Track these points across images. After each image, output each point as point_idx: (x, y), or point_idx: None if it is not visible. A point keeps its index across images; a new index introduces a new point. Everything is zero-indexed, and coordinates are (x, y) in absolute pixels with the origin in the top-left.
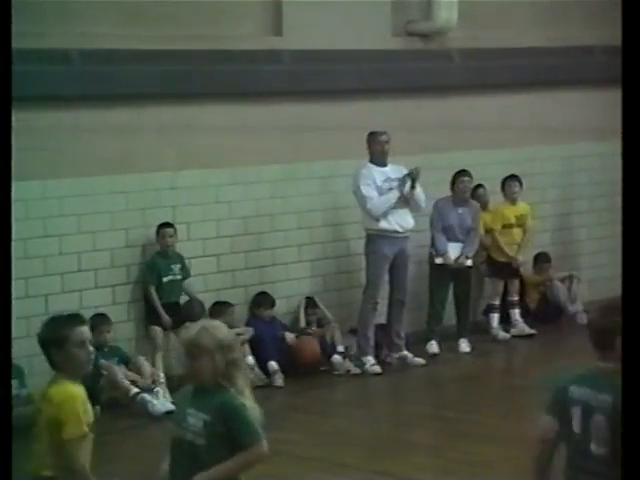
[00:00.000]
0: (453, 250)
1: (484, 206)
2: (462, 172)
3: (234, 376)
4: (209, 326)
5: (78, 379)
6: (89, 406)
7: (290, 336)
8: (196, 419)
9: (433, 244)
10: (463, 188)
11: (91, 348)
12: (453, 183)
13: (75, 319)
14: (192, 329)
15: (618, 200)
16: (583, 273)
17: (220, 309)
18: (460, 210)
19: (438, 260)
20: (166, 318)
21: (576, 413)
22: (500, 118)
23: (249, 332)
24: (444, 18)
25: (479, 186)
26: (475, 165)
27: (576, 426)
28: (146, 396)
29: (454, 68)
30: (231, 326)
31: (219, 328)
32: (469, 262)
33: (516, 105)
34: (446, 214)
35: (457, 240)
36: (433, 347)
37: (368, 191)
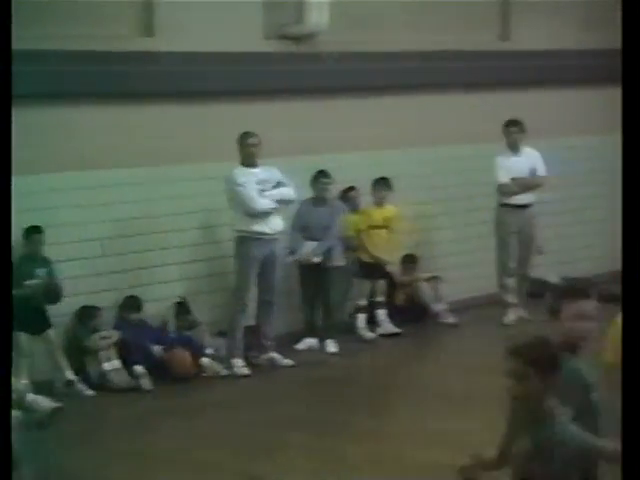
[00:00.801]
0: (308, 248)
1: (356, 208)
2: (320, 173)
3: None
4: None
5: None
6: None
7: (158, 349)
8: None
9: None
10: (321, 188)
11: None
12: (313, 184)
13: None
14: None
15: (482, 201)
16: (448, 274)
17: (87, 312)
18: (319, 210)
19: (288, 258)
20: None
21: None
22: (372, 121)
23: (116, 335)
24: (315, 21)
25: (351, 188)
26: (348, 167)
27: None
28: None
29: (325, 71)
30: (98, 329)
31: None
32: (316, 259)
33: (388, 108)
34: (305, 214)
35: (315, 239)
36: (305, 344)
37: (246, 192)
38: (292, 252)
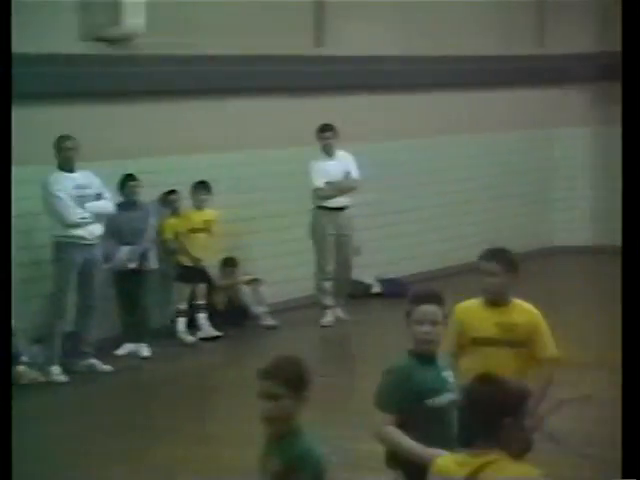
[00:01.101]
0: (122, 253)
1: (176, 211)
2: (128, 176)
3: None
4: None
5: None
6: None
7: None
8: None
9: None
10: (130, 192)
11: None
12: (121, 188)
13: None
14: None
15: (300, 204)
16: (268, 276)
17: None
18: (131, 214)
19: (105, 265)
20: None
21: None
22: (190, 124)
23: None
24: (131, 23)
25: (172, 192)
26: (168, 171)
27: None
28: None
29: (143, 73)
30: None
31: None
32: (132, 264)
33: (206, 111)
34: (117, 219)
35: (129, 243)
36: (125, 349)
37: (61, 202)
38: (107, 258)
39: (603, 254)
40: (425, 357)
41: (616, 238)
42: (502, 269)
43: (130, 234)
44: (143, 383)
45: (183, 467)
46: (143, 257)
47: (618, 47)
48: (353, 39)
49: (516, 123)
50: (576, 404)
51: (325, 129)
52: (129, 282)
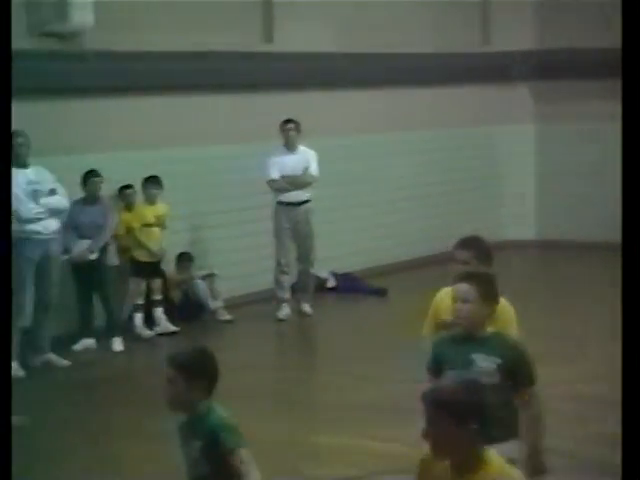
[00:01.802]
0: (82, 246)
1: (131, 206)
2: (90, 172)
3: None
4: None
5: None
6: None
7: None
8: None
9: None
10: (92, 187)
11: None
12: (84, 183)
13: None
14: None
15: (259, 199)
16: (224, 271)
17: None
18: (91, 209)
19: (63, 257)
20: None
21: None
22: (144, 120)
23: None
24: (79, 20)
25: (128, 186)
26: (124, 165)
27: None
28: None
29: (90, 70)
30: None
31: None
32: (93, 256)
33: (158, 107)
34: (77, 213)
35: (88, 237)
36: (82, 344)
37: (16, 194)
38: (66, 251)
39: (549, 249)
40: (460, 333)
41: (560, 233)
42: (475, 258)
43: (90, 229)
44: (101, 379)
45: (137, 464)
46: (103, 251)
47: (560, 44)
48: (300, 36)
49: (465, 120)
50: None
51: (288, 123)
52: (89, 276)
